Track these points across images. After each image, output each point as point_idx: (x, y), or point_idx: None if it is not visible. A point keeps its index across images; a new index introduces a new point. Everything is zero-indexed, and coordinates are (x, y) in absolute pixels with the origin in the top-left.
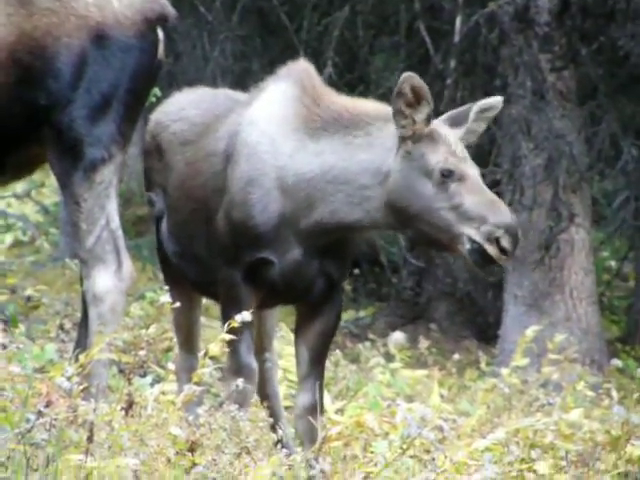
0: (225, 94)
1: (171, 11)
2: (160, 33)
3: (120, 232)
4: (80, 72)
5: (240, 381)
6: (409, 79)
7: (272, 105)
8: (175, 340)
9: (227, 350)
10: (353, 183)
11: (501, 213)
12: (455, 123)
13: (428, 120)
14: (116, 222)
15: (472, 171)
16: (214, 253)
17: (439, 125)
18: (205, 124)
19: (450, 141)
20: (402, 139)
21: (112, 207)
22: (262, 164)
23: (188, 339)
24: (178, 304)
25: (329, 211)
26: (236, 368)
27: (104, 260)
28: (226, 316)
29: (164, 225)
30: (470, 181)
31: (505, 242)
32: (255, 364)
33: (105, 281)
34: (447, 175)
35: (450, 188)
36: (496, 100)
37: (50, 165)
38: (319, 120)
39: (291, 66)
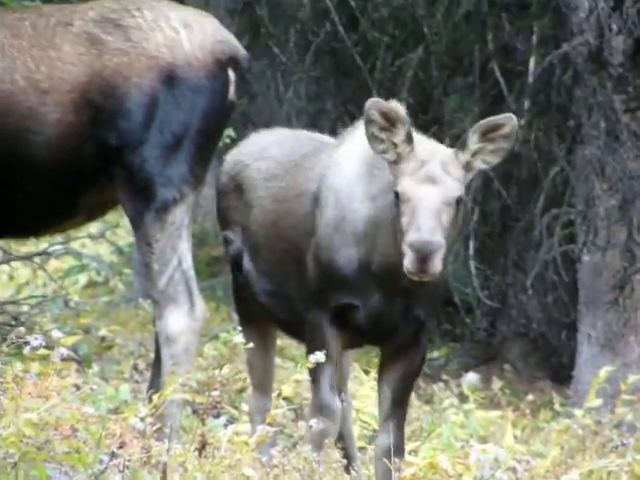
0: (306, 134)
1: (242, 52)
2: (231, 74)
3: (192, 272)
4: (151, 112)
5: (317, 421)
6: (374, 105)
7: (354, 149)
8: (248, 381)
9: (311, 390)
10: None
11: (413, 232)
12: (461, 145)
13: (409, 140)
14: (188, 262)
15: (423, 192)
16: (304, 294)
17: (422, 143)
18: (293, 162)
19: (420, 160)
20: (389, 164)
21: (184, 247)
22: (342, 209)
23: (262, 380)
24: (252, 345)
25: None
26: (318, 407)
27: (176, 300)
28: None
29: (249, 264)
30: (412, 203)
31: (407, 260)
32: (338, 404)
33: (178, 321)
34: (398, 197)
35: (400, 209)
36: (504, 117)
37: (122, 206)
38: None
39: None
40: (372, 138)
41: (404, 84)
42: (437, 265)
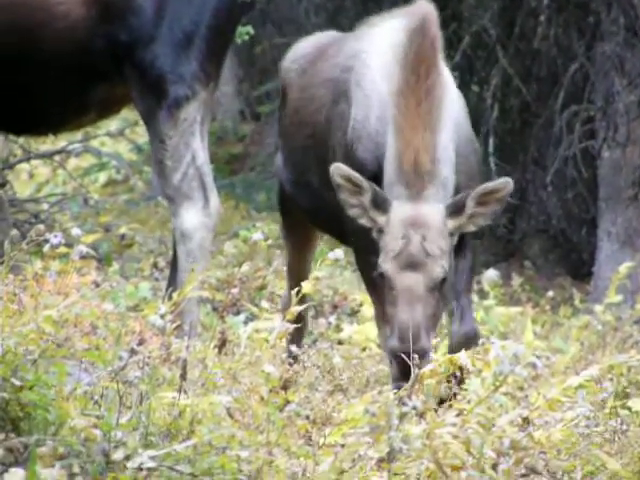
0: (344, 34)
1: None
2: None
3: (207, 168)
4: (161, 9)
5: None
6: (336, 170)
7: (380, 45)
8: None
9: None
10: None
11: (394, 339)
12: (454, 211)
13: (378, 207)
14: (202, 159)
15: (406, 282)
16: (324, 182)
17: (403, 210)
18: (319, 51)
19: (401, 236)
20: (374, 232)
21: (197, 144)
22: (368, 107)
23: (298, 283)
24: (290, 248)
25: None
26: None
27: (191, 197)
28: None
29: (280, 160)
30: (395, 292)
31: (392, 368)
32: None
33: (192, 218)
34: (382, 278)
35: (384, 289)
36: (502, 182)
37: (134, 104)
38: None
39: (411, 9)
40: (345, 203)
41: None
42: (425, 361)
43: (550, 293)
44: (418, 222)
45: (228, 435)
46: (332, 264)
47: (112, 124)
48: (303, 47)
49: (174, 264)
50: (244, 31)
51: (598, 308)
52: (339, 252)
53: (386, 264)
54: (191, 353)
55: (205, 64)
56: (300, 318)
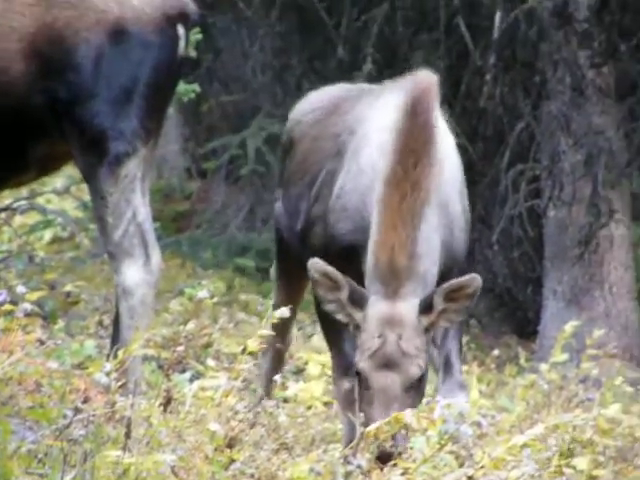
0: (361, 85)
1: (192, 8)
2: (180, 29)
3: (148, 225)
4: (99, 66)
5: (344, 381)
6: (313, 266)
7: (381, 119)
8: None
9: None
10: None
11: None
12: (425, 308)
13: (355, 303)
14: (143, 215)
15: (382, 382)
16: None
17: (378, 307)
18: (334, 104)
19: (377, 335)
20: (351, 327)
21: (138, 200)
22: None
23: (282, 331)
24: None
25: None
26: (344, 368)
27: (132, 254)
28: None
29: (279, 205)
30: (371, 392)
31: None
32: None
33: (134, 275)
34: (359, 378)
35: (360, 387)
36: (468, 279)
37: (75, 161)
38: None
39: (413, 79)
40: (322, 299)
41: (369, 39)
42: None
43: (496, 351)
44: (394, 321)
45: None
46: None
47: (58, 181)
48: (318, 99)
49: (117, 321)
50: (190, 89)
51: (543, 367)
52: (285, 310)
53: (362, 363)
54: (136, 411)
55: (145, 121)
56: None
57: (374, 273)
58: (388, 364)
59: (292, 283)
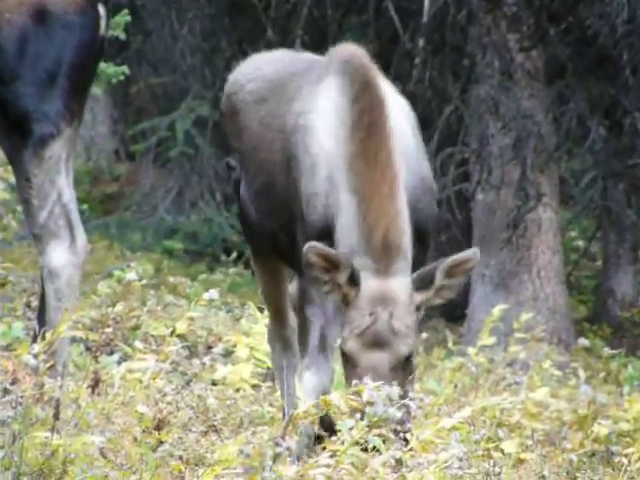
0: (305, 56)
1: None
2: (101, 9)
3: (73, 206)
4: (22, 48)
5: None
6: (312, 249)
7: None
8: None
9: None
10: None
11: None
12: (422, 285)
13: (353, 282)
14: (68, 196)
15: (370, 361)
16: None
17: (370, 284)
18: (280, 81)
19: (367, 312)
20: (342, 304)
21: (63, 182)
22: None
23: (278, 309)
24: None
25: None
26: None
27: (57, 235)
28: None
29: (243, 189)
30: (358, 370)
31: None
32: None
33: (59, 256)
34: (343, 354)
35: (345, 366)
36: (468, 254)
37: None
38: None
39: (346, 58)
40: (316, 280)
41: (299, 22)
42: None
43: (424, 335)
44: (387, 298)
45: (101, 475)
46: (207, 304)
47: None
48: (262, 66)
49: (43, 303)
50: (119, 71)
51: (471, 350)
52: (213, 292)
53: (350, 341)
54: (64, 393)
55: (69, 101)
56: None
57: (365, 250)
58: (377, 343)
59: (271, 262)
